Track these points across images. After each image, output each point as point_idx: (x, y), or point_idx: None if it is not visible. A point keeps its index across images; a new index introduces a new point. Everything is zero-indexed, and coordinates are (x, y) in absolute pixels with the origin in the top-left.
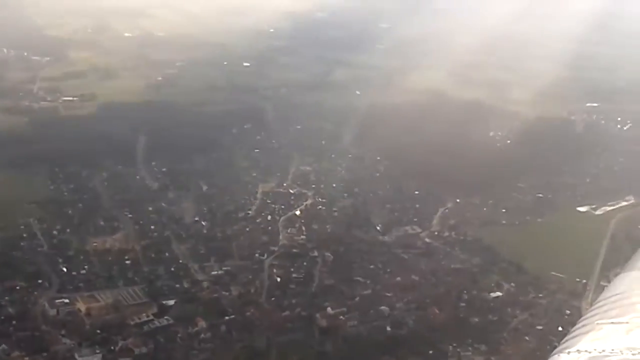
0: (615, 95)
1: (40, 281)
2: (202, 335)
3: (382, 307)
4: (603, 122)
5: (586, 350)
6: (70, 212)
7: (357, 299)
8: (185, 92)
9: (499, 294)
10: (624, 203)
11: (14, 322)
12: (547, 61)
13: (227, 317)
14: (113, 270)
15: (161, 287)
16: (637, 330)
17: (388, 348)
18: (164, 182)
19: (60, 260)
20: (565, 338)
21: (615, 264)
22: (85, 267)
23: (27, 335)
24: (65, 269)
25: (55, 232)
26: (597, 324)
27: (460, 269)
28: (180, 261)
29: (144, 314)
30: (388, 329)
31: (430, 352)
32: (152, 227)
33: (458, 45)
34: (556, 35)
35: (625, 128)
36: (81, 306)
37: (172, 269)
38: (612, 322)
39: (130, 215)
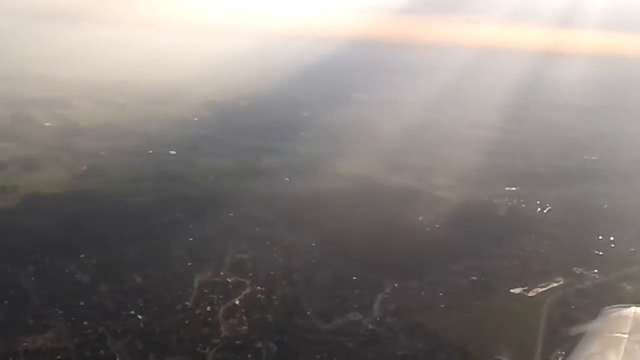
0: (531, 179)
1: None
2: None
3: None
4: (524, 205)
5: None
6: None
7: None
8: (111, 182)
9: None
10: (554, 284)
11: None
12: (464, 147)
13: None
14: None
15: None
16: None
17: None
18: (95, 275)
19: None
20: None
21: (554, 346)
22: None
23: None
24: None
25: None
26: None
27: (407, 355)
28: (117, 359)
29: None
30: None
31: None
32: (85, 323)
33: (379, 133)
34: (470, 123)
35: (545, 211)
36: None
37: None
38: None
39: (60, 312)
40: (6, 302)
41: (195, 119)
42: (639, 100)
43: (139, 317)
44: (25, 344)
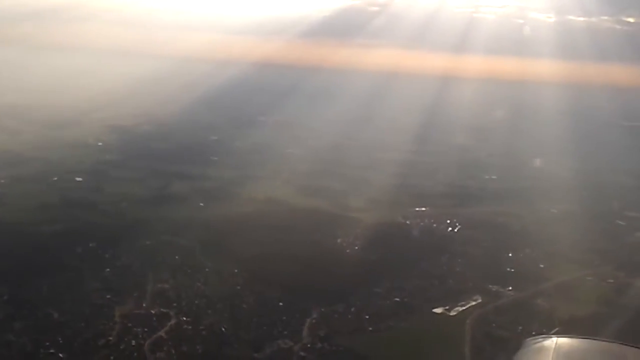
0: (438, 199)
1: None
2: None
3: None
4: (435, 225)
5: None
6: None
7: None
8: (15, 211)
9: None
10: (473, 303)
11: None
12: (373, 169)
13: None
14: None
15: None
16: None
17: None
18: (7, 311)
19: None
20: None
21: None
22: None
23: None
24: None
25: None
26: None
27: None
28: None
29: None
30: None
31: None
32: None
33: (289, 156)
34: (377, 145)
35: (455, 230)
36: None
37: None
38: None
39: None
40: None
41: (100, 143)
42: (529, 120)
43: (60, 355)
44: None
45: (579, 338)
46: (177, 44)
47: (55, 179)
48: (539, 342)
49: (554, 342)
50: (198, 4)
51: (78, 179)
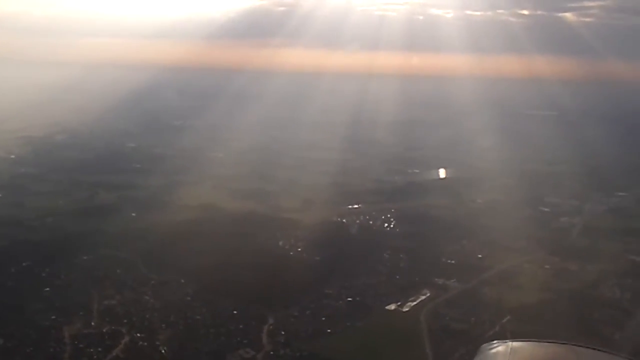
0: (368, 196)
1: None
2: None
3: None
4: (370, 222)
5: None
6: None
7: None
8: None
9: None
10: (423, 297)
11: None
12: (300, 169)
13: None
14: None
15: None
16: None
17: None
18: None
19: None
20: None
21: (443, 358)
22: None
23: None
24: None
25: None
26: None
27: None
28: None
29: None
30: None
31: None
32: None
33: (212, 159)
34: (300, 145)
35: (391, 226)
36: None
37: None
38: None
39: None
40: None
41: (12, 156)
42: (441, 114)
43: None
44: None
45: (533, 341)
46: (85, 50)
47: None
48: (494, 347)
49: (508, 347)
50: (101, 8)
51: None
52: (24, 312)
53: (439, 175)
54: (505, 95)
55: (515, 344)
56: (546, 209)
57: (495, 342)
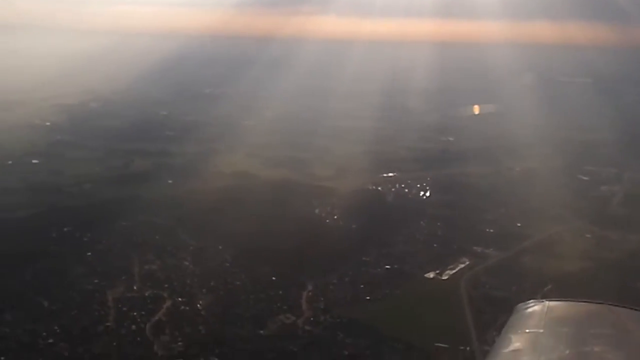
0: (403, 164)
1: None
2: None
3: None
4: (406, 190)
5: None
6: None
7: None
8: None
9: None
10: (462, 265)
11: None
12: (334, 138)
13: None
14: None
15: None
16: None
17: None
18: None
19: None
20: None
21: (485, 327)
22: None
23: None
24: None
25: None
26: None
27: (353, 355)
28: None
29: None
30: None
31: None
32: (2, 358)
33: (243, 128)
34: (333, 113)
35: (427, 194)
36: None
37: None
38: None
39: None
40: None
41: (47, 123)
42: (476, 81)
43: (61, 344)
44: None
45: (570, 301)
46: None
47: (10, 162)
48: (530, 306)
49: (545, 306)
50: None
51: (34, 161)
52: (67, 276)
53: (473, 143)
54: (540, 62)
55: (552, 303)
56: (585, 178)
57: (531, 301)
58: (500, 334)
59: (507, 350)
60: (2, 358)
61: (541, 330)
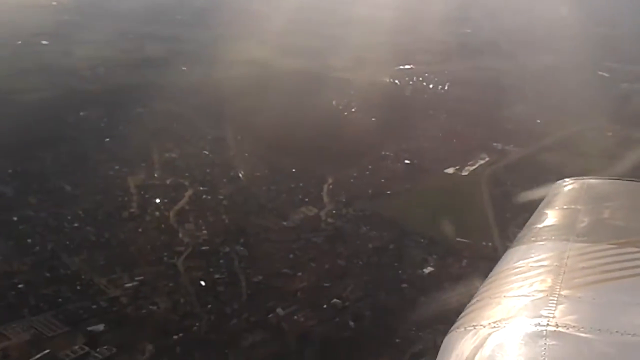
0: (420, 56)
1: None
2: None
3: (334, 301)
4: (424, 83)
5: (482, 325)
6: None
7: (298, 294)
8: None
9: (431, 269)
10: (481, 161)
11: None
12: (347, 27)
13: (174, 337)
14: (8, 298)
15: (75, 310)
16: (533, 301)
17: (361, 344)
18: (16, 186)
19: None
20: (461, 314)
21: (507, 224)
22: None
23: None
24: None
25: None
26: (492, 298)
27: (379, 248)
28: (83, 277)
29: (75, 347)
30: (351, 323)
31: (397, 340)
32: (29, 240)
33: (256, 14)
34: (349, 1)
35: (445, 87)
36: None
37: (78, 288)
38: (506, 296)
39: None
40: None
41: (54, 3)
42: None
43: (88, 229)
44: None
45: (609, 179)
46: None
47: (20, 42)
48: (567, 184)
49: (584, 183)
50: None
51: (44, 42)
52: (88, 161)
53: (491, 36)
54: None
55: (590, 180)
56: (605, 74)
57: (567, 179)
58: (538, 209)
59: (541, 225)
60: (29, 240)
61: (580, 207)
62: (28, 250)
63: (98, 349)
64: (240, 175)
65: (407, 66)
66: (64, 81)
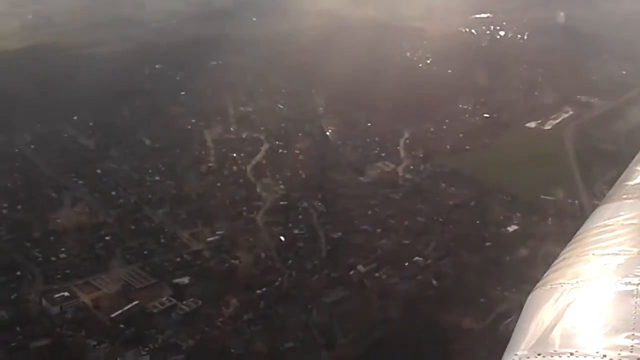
0: (495, 5)
1: (18, 273)
2: (245, 316)
3: (416, 258)
4: (502, 32)
5: (570, 283)
6: (8, 185)
7: (378, 251)
8: (66, 32)
9: (515, 227)
10: (565, 115)
11: (17, 328)
12: None
13: (257, 291)
14: (96, 249)
15: (161, 263)
16: (623, 260)
17: (445, 303)
18: (98, 139)
19: (28, 245)
20: (547, 272)
21: (593, 181)
22: (62, 249)
23: (46, 345)
24: (39, 255)
25: (4, 212)
26: (580, 256)
27: (459, 205)
28: (166, 230)
29: (163, 298)
30: (434, 282)
31: (482, 300)
32: (113, 193)
33: None
34: None
35: (525, 37)
36: (84, 298)
37: (162, 241)
38: (594, 254)
39: (80, 182)
40: (16, 175)
41: None
42: None
43: (168, 182)
44: (58, 220)
45: None
46: None
47: None
48: None
49: None
50: None
51: None
52: (164, 115)
53: None
54: None
55: None
56: None
57: None
58: (627, 167)
59: (633, 182)
60: (113, 193)
61: None
62: (113, 203)
63: (184, 302)
64: (316, 129)
65: (483, 14)
66: (137, 34)
